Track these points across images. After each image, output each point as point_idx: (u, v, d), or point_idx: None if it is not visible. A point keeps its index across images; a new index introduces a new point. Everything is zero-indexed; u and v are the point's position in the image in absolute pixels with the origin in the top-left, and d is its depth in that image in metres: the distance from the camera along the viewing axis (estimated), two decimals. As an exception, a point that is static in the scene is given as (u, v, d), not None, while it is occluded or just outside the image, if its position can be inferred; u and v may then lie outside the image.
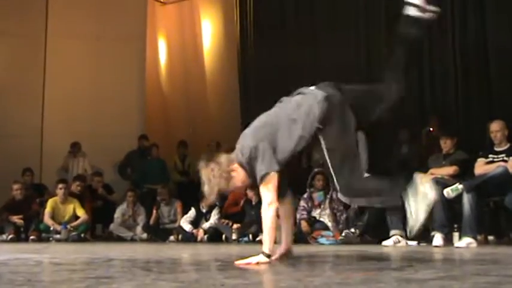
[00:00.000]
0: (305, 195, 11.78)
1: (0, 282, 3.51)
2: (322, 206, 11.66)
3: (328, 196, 11.58)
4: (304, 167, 12.87)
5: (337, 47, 14.99)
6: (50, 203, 13.23)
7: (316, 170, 11.91)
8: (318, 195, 11.72)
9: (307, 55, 15.59)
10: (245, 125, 15.04)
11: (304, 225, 11.50)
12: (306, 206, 11.71)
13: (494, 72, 12.98)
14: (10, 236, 12.95)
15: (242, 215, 12.61)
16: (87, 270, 4.40)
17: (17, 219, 13.20)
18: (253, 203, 12.29)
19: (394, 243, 9.73)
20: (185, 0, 17.34)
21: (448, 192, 9.38)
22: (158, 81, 18.06)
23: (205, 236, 12.49)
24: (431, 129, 12.53)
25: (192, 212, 12.96)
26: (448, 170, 10.02)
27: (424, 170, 10.34)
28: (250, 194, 12.45)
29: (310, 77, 15.36)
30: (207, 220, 12.83)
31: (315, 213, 11.70)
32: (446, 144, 10.29)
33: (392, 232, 9.90)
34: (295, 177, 12.79)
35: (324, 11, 15.40)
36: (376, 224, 10.76)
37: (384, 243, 9.81)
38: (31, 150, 15.34)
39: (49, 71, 15.77)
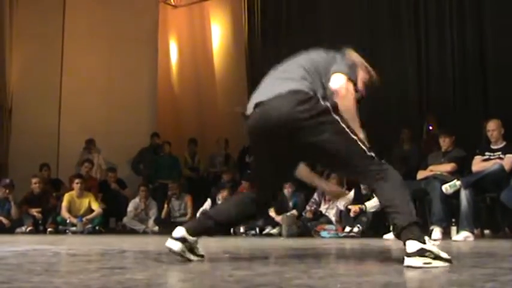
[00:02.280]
0: (319, 189, 11.86)
1: (20, 271, 3.52)
2: (331, 202, 11.72)
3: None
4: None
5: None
6: (66, 197, 13.31)
7: (330, 167, 11.98)
8: (330, 192, 11.76)
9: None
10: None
11: (308, 214, 11.75)
12: (316, 199, 11.85)
13: (491, 72, 12.98)
14: (29, 228, 12.97)
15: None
16: (101, 261, 4.40)
17: (35, 211, 13.24)
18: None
19: (395, 236, 9.71)
20: (195, 4, 17.32)
21: (447, 188, 9.41)
22: (169, 81, 18.06)
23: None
24: (430, 127, 12.51)
25: (208, 203, 12.94)
26: (446, 167, 10.03)
27: (424, 167, 10.37)
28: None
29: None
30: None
31: (323, 207, 11.76)
32: (445, 142, 10.30)
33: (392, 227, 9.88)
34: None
35: (328, 13, 15.38)
36: (378, 220, 10.77)
37: (385, 236, 9.80)
38: (48, 146, 15.36)
39: (65, 71, 15.80)
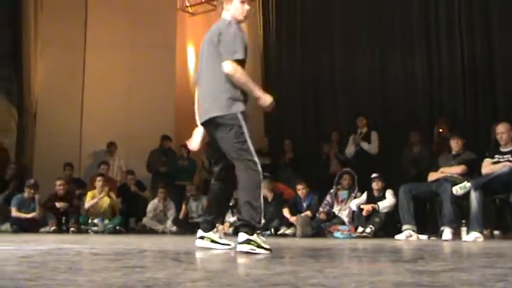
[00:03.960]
0: (331, 191, 11.95)
1: (45, 269, 3.53)
2: (343, 204, 11.73)
3: (353, 195, 11.66)
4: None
5: (352, 56, 15.02)
6: (89, 195, 13.43)
7: (344, 170, 12.05)
8: (342, 193, 11.85)
9: (323, 64, 15.61)
10: (267, 126, 15.17)
11: (322, 215, 11.76)
12: (329, 201, 11.89)
13: (499, 77, 12.97)
14: (52, 228, 13.04)
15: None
16: (122, 260, 4.41)
17: (61, 205, 13.34)
18: (269, 200, 12.44)
19: (406, 237, 9.70)
20: (212, 11, 17.34)
21: (457, 189, 9.39)
22: (187, 86, 18.06)
23: (230, 229, 12.52)
24: (440, 130, 12.50)
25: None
26: (456, 169, 10.00)
27: (435, 168, 10.34)
28: (264, 191, 12.53)
29: (327, 84, 15.50)
30: (233, 214, 12.87)
31: (336, 208, 11.78)
32: (457, 144, 10.27)
33: (404, 227, 9.87)
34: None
35: (340, 19, 15.41)
36: (390, 221, 10.77)
37: (397, 237, 9.79)
38: (71, 149, 15.44)
39: (87, 78, 15.90)
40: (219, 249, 5.81)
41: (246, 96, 5.66)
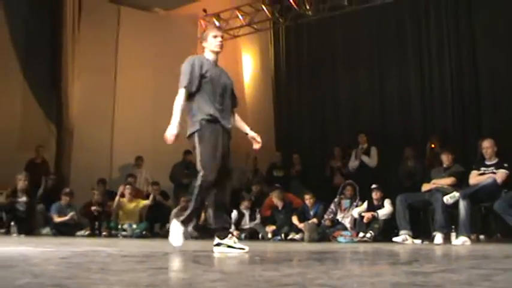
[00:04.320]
0: (335, 200, 11.99)
1: (80, 269, 3.54)
2: (346, 212, 11.74)
3: (355, 204, 11.69)
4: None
5: (353, 80, 15.12)
6: (117, 200, 13.51)
7: (347, 181, 12.11)
8: (345, 202, 11.88)
9: (328, 87, 15.72)
10: (278, 142, 15.22)
11: (327, 222, 11.81)
12: (334, 209, 11.94)
13: (485, 97, 13.02)
14: (87, 232, 13.09)
15: (274, 217, 12.74)
16: (149, 262, 4.41)
17: (95, 209, 13.40)
18: (280, 208, 12.52)
19: (402, 240, 9.68)
20: (228, 40, 17.39)
21: (447, 199, 9.42)
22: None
23: (243, 235, 12.54)
24: (432, 145, 12.50)
25: (234, 213, 13.02)
26: (447, 181, 10.02)
27: (427, 180, 10.36)
28: (275, 200, 12.65)
29: (332, 105, 15.57)
30: (251, 220, 12.94)
31: (339, 216, 11.80)
32: (448, 159, 10.30)
33: (401, 232, 9.86)
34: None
35: (342, 46, 15.52)
36: (388, 227, 10.78)
37: (394, 239, 9.80)
38: (103, 161, 15.50)
39: (118, 98, 15.97)
40: (235, 253, 5.82)
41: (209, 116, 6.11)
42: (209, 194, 6.07)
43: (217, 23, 16.59)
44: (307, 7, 15.04)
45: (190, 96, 6.19)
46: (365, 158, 13.11)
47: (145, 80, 16.13)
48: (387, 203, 11.07)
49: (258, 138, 6.66)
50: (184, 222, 6.08)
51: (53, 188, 14.25)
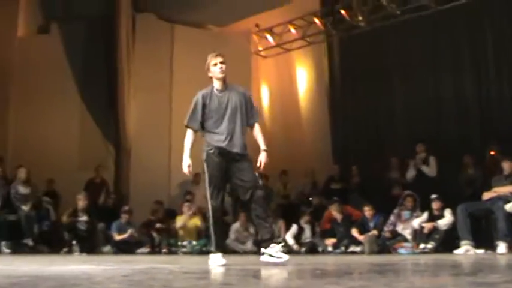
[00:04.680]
0: (395, 211, 11.84)
1: (142, 286, 3.57)
2: (406, 223, 11.61)
3: (415, 214, 11.54)
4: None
5: (408, 88, 15.00)
6: (179, 219, 13.63)
7: (407, 192, 11.95)
8: (405, 213, 11.73)
9: (383, 97, 15.61)
10: (335, 155, 15.17)
11: (387, 233, 11.68)
12: (393, 220, 11.79)
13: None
14: (147, 250, 13.22)
15: (333, 230, 12.67)
16: (210, 278, 4.42)
17: (158, 227, 13.55)
18: (339, 221, 12.46)
19: (465, 251, 9.52)
20: (282, 54, 17.44)
21: (510, 207, 9.22)
22: (262, 122, 18.11)
23: (303, 249, 12.52)
24: (492, 152, 12.28)
25: (294, 228, 13.03)
26: (509, 189, 9.82)
27: (487, 188, 10.17)
28: (334, 213, 12.59)
29: (388, 116, 15.44)
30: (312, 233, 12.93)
31: (399, 227, 11.66)
32: (509, 166, 10.11)
33: (462, 242, 9.70)
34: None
35: (397, 57, 15.35)
36: (449, 238, 10.61)
37: (456, 251, 9.62)
38: (161, 179, 15.63)
39: (174, 115, 16.06)
40: (276, 261, 6.40)
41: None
42: (219, 218, 6.82)
43: (270, 38, 16.63)
44: (360, 18, 14.98)
45: (202, 129, 6.96)
46: (424, 168, 12.93)
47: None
48: (448, 212, 10.91)
49: (263, 160, 6.98)
50: (215, 248, 6.69)
51: (113, 207, 14.46)
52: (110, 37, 16.05)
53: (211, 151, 6.75)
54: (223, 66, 6.80)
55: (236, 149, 6.71)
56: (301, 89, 17.55)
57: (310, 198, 14.40)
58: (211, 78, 6.92)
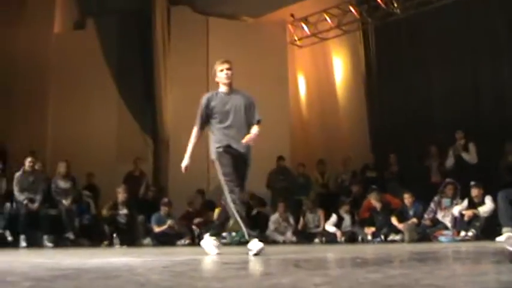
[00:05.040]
0: (435, 199, 11.78)
1: (184, 277, 3.59)
2: (446, 210, 11.52)
3: (455, 202, 11.46)
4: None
5: (445, 74, 14.85)
6: (217, 211, 13.64)
7: (447, 180, 11.87)
8: (445, 201, 11.65)
9: (420, 85, 15.48)
10: (373, 143, 15.10)
11: (427, 222, 11.63)
12: (433, 208, 11.73)
13: None
14: (187, 241, 13.29)
15: (372, 219, 12.62)
16: (250, 268, 4.44)
17: (196, 222, 13.63)
18: (378, 209, 12.40)
19: (507, 238, 9.41)
20: (318, 43, 17.38)
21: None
22: (299, 111, 18.11)
23: (343, 238, 12.51)
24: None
25: (334, 217, 13.02)
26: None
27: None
28: (373, 202, 12.53)
29: (426, 104, 15.32)
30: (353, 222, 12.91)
31: (439, 215, 11.59)
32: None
33: (504, 229, 9.58)
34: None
35: (434, 44, 15.18)
36: (490, 225, 10.49)
37: (498, 239, 9.51)
38: (200, 172, 15.66)
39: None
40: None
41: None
42: (242, 208, 6.88)
43: (305, 27, 16.59)
44: (395, 5, 14.87)
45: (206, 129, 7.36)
46: (464, 155, 12.79)
47: (238, 88, 16.25)
48: (488, 199, 10.80)
49: (247, 138, 7.00)
50: (253, 231, 6.87)
51: (152, 200, 14.56)
52: (145, 31, 16.14)
53: (220, 149, 6.99)
54: (229, 72, 7.12)
55: (242, 151, 7.03)
56: (337, 77, 17.49)
57: (350, 187, 14.36)
58: (217, 83, 7.24)
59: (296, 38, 17.64)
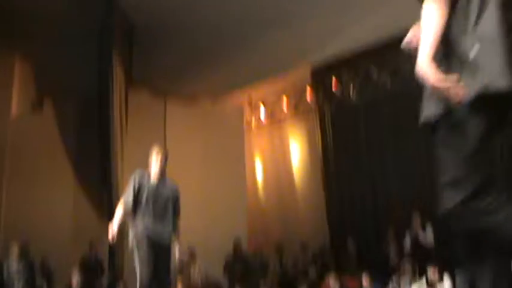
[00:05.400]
0: (394, 279, 11.81)
1: None
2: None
3: (413, 282, 11.50)
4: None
5: (404, 161, 15.01)
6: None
7: (404, 259, 11.98)
8: (404, 281, 11.71)
9: (376, 166, 15.63)
10: (331, 227, 15.06)
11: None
12: (392, 288, 11.76)
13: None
14: None
15: None
16: None
17: None
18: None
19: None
20: (275, 125, 17.58)
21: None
22: (256, 194, 18.14)
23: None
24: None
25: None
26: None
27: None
28: (331, 284, 12.49)
29: (378, 184, 15.45)
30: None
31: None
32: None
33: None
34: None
35: (391, 131, 15.42)
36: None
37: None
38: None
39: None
40: None
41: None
42: None
43: (262, 109, 16.76)
44: (350, 92, 15.19)
45: (132, 210, 7.27)
46: (421, 236, 12.86)
47: (195, 171, 16.24)
48: (446, 278, 10.84)
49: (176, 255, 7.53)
50: None
51: (109, 286, 14.27)
52: (103, 116, 16.09)
53: (139, 236, 7.10)
54: (163, 161, 7.57)
55: (163, 242, 7.20)
56: (294, 160, 17.61)
57: (307, 270, 14.30)
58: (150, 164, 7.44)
59: (253, 121, 17.82)
